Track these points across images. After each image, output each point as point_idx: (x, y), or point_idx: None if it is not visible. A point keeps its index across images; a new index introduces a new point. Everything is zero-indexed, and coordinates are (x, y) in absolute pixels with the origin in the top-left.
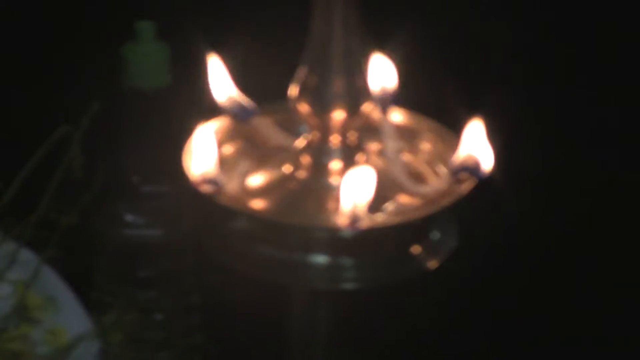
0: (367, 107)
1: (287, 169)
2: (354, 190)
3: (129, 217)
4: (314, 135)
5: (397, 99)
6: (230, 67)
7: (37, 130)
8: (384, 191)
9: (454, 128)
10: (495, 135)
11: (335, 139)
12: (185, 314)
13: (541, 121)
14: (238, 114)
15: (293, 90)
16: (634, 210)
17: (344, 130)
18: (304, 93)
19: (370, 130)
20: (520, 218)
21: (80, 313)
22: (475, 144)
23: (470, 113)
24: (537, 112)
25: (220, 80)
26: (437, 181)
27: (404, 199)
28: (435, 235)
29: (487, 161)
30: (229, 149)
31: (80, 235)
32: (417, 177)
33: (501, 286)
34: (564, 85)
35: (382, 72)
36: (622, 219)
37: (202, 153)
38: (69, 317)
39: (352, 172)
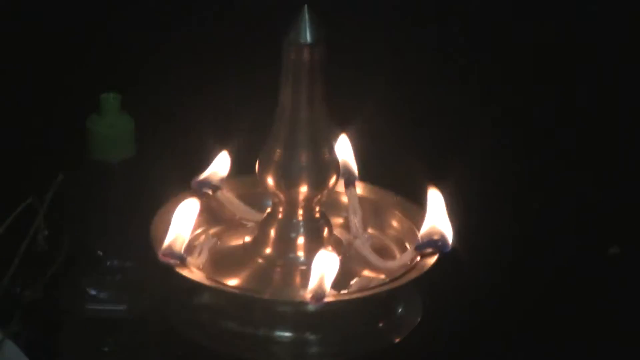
0: (333, 182)
1: (251, 242)
2: (320, 269)
3: (93, 292)
4: (279, 209)
5: (361, 173)
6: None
7: (2, 202)
8: (349, 266)
9: (418, 201)
10: (458, 207)
11: (300, 213)
12: None
13: (501, 193)
14: (204, 187)
15: (258, 164)
16: (592, 287)
17: (309, 204)
18: (269, 167)
19: (335, 204)
20: (483, 290)
21: None
22: (438, 218)
23: (431, 185)
24: (498, 182)
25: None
26: (401, 256)
27: (369, 273)
28: (400, 309)
29: (449, 235)
30: (194, 223)
31: (44, 309)
32: (382, 252)
33: (465, 357)
34: (522, 156)
35: (346, 147)
36: (582, 299)
37: (168, 226)
38: None
39: (318, 256)
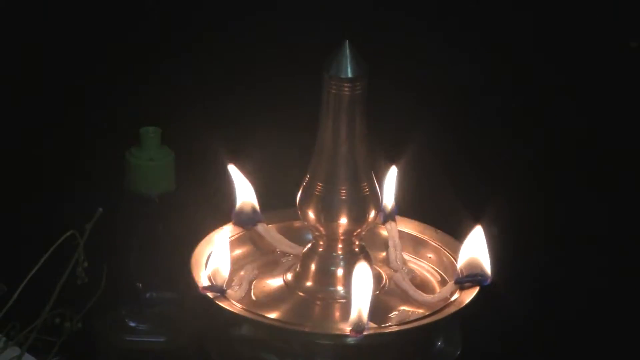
0: (372, 216)
1: (292, 276)
2: (359, 295)
3: (132, 323)
4: (319, 243)
5: (402, 208)
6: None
7: (42, 234)
8: (390, 300)
9: (458, 236)
10: (497, 242)
11: (340, 247)
12: None
13: (541, 228)
14: (245, 221)
15: (299, 198)
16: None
17: (349, 238)
18: (309, 201)
19: (376, 238)
20: (523, 324)
21: None
22: (478, 252)
23: (472, 221)
24: (537, 218)
25: (235, 188)
26: (441, 289)
27: (408, 307)
28: (439, 342)
29: (489, 269)
30: (234, 256)
31: (84, 340)
32: (422, 286)
33: None
34: (565, 191)
35: (387, 182)
36: (622, 323)
37: (207, 259)
38: None
39: (356, 271)
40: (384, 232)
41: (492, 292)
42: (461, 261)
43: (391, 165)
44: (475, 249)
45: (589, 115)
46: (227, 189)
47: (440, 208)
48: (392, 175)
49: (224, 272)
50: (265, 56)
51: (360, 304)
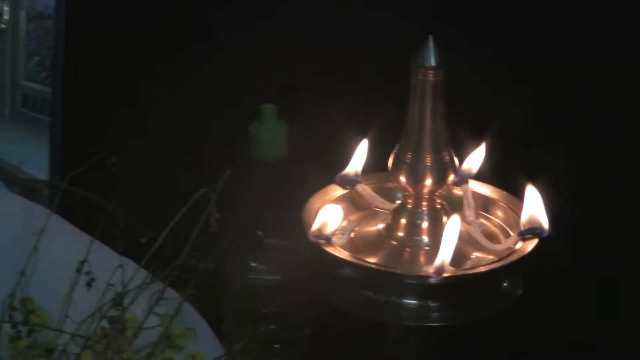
0: (451, 179)
1: (385, 227)
2: (443, 250)
3: (253, 264)
4: (408, 200)
5: (475, 173)
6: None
7: (181, 191)
8: (465, 248)
9: (520, 196)
10: (555, 198)
11: (424, 204)
12: (298, 344)
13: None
14: (347, 182)
15: (392, 164)
16: None
17: (432, 197)
18: (400, 167)
19: (454, 197)
20: (574, 270)
21: (214, 342)
22: (536, 210)
23: (532, 182)
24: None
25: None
26: (506, 240)
27: (480, 254)
28: (505, 283)
29: (546, 224)
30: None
31: (214, 278)
32: (491, 237)
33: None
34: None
35: (464, 151)
36: None
37: (316, 212)
38: (205, 345)
39: (449, 222)
40: (459, 193)
41: (549, 243)
42: (523, 217)
43: (471, 141)
44: (534, 207)
45: None
46: (332, 156)
47: (507, 174)
48: (477, 150)
49: (330, 223)
50: (368, 48)
51: (444, 250)
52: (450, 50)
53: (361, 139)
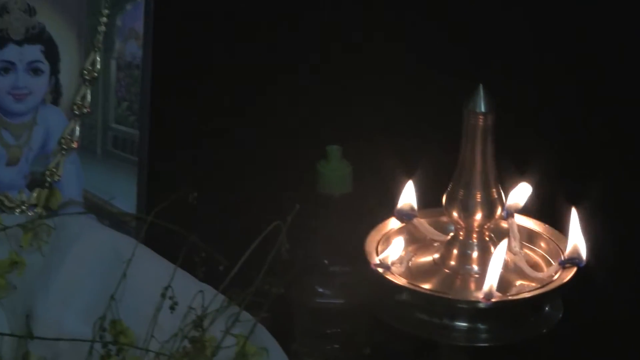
0: (498, 213)
1: (439, 257)
2: (490, 278)
3: (320, 289)
4: (459, 233)
5: (521, 207)
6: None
7: (254, 224)
8: (511, 276)
9: (560, 227)
10: (597, 230)
11: (475, 236)
12: None
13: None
14: (405, 216)
15: (445, 200)
16: None
17: (481, 229)
18: (453, 202)
19: (501, 230)
20: (611, 299)
21: (284, 359)
22: (577, 240)
23: (572, 211)
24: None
25: (402, 194)
26: (548, 269)
27: (524, 281)
28: (547, 308)
29: (584, 254)
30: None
31: (284, 301)
32: (534, 266)
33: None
34: None
35: (510, 188)
36: None
37: (377, 243)
38: None
39: (497, 249)
40: (505, 226)
41: (587, 271)
42: (568, 246)
43: (516, 179)
44: (575, 237)
45: None
46: (390, 193)
47: (548, 208)
48: (518, 188)
49: (391, 254)
50: (424, 95)
51: (491, 278)
52: (498, 97)
53: (414, 179)
